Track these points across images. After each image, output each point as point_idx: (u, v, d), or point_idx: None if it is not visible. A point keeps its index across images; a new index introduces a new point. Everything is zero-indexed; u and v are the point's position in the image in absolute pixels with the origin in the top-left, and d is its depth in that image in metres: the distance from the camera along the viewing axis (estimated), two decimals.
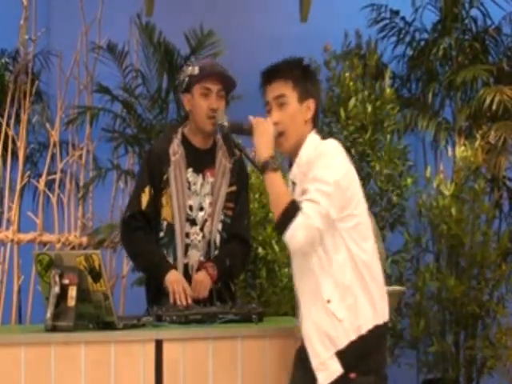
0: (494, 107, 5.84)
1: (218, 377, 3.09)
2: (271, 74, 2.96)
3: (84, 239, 5.91)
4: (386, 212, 5.65)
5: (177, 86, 5.66)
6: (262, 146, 2.88)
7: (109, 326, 3.09)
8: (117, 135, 5.90)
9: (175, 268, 3.54)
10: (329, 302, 2.79)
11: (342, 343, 2.78)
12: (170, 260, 3.57)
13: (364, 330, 2.79)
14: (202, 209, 3.62)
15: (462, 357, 5.76)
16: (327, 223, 2.76)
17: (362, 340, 2.78)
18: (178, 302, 3.43)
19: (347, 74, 5.72)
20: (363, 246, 2.85)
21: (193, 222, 3.60)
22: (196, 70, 3.59)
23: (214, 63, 4.03)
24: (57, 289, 3.03)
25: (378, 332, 2.82)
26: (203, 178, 3.62)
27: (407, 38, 6.42)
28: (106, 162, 5.96)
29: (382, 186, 5.59)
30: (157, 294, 3.56)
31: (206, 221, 3.61)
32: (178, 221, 3.57)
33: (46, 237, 5.88)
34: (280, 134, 2.91)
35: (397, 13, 6.46)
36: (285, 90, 2.93)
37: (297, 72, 2.95)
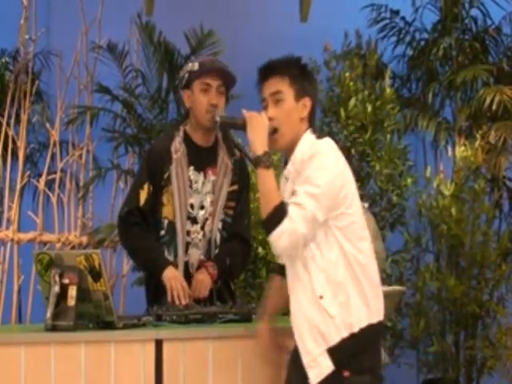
0: (494, 107, 5.84)
1: (218, 376, 3.09)
2: (268, 70, 2.96)
3: (84, 239, 5.91)
4: (386, 212, 5.65)
5: (177, 85, 5.66)
6: (256, 140, 2.87)
7: (109, 325, 3.09)
8: (117, 135, 5.91)
9: (173, 264, 3.54)
10: (321, 297, 2.78)
11: (334, 340, 2.77)
12: (171, 258, 3.57)
13: (356, 328, 2.78)
14: (202, 207, 3.61)
15: (462, 357, 5.77)
16: (313, 227, 2.76)
17: (354, 338, 2.77)
18: (176, 299, 3.42)
19: (347, 74, 5.73)
20: (359, 245, 2.84)
21: (194, 221, 3.60)
22: (196, 66, 3.59)
23: (214, 59, 4.04)
24: (57, 288, 3.03)
25: (371, 331, 2.82)
26: (204, 177, 3.61)
27: (407, 38, 6.42)
28: (106, 161, 5.97)
29: (382, 186, 5.60)
30: (156, 293, 3.56)
31: (206, 219, 3.61)
32: (179, 219, 3.56)
33: (46, 236, 5.88)
34: (275, 131, 2.90)
35: (397, 13, 6.46)
36: (281, 86, 2.92)
37: (294, 70, 2.95)
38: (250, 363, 3.11)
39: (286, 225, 2.74)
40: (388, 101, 5.71)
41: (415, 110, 6.10)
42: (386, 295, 3.02)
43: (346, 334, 2.78)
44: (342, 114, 5.62)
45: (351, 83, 5.68)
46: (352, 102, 5.63)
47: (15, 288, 5.82)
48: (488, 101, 5.85)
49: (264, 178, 2.84)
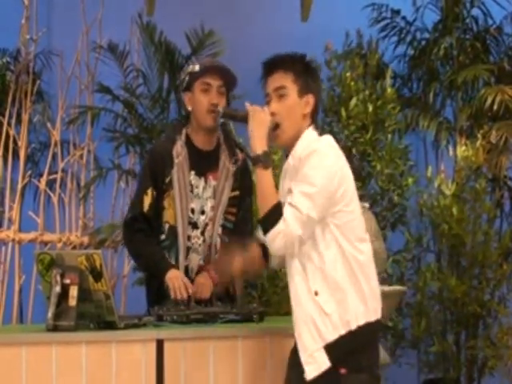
0: (495, 107, 5.84)
1: (218, 376, 3.09)
2: (273, 65, 2.96)
3: (85, 239, 5.91)
4: (387, 212, 5.65)
5: (178, 86, 5.67)
6: (257, 138, 2.86)
7: (110, 325, 3.09)
8: (118, 135, 5.91)
9: (175, 267, 3.54)
10: (316, 294, 2.79)
11: (331, 337, 2.77)
12: (171, 262, 3.57)
13: (354, 326, 2.78)
14: (203, 212, 3.60)
15: (463, 357, 5.77)
16: (310, 226, 2.77)
17: (351, 335, 2.78)
18: (179, 296, 3.42)
19: (348, 74, 5.73)
20: (357, 244, 2.84)
21: (194, 226, 3.59)
22: (196, 68, 3.58)
23: (214, 60, 4.03)
24: (58, 288, 3.03)
25: (369, 328, 2.82)
26: (205, 182, 3.60)
27: (408, 38, 6.42)
28: (107, 161, 5.97)
29: (383, 186, 5.60)
30: (157, 294, 3.56)
31: (207, 224, 3.60)
32: (180, 223, 3.55)
33: (47, 236, 5.88)
34: (276, 126, 2.90)
35: (398, 12, 6.46)
36: (285, 81, 2.92)
37: (298, 66, 2.95)
38: (250, 363, 3.11)
39: (281, 227, 2.75)
40: (389, 100, 5.71)
41: (416, 110, 6.10)
42: (387, 295, 3.03)
43: (343, 331, 2.78)
44: (343, 113, 5.62)
45: (352, 83, 5.68)
46: (353, 101, 5.63)
47: (16, 288, 5.82)
48: (489, 100, 5.86)
49: (262, 177, 2.85)
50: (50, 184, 6.08)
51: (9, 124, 5.99)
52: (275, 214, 2.77)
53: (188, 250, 3.58)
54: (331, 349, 2.77)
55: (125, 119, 5.97)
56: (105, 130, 5.95)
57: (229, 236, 3.63)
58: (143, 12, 5.97)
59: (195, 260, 3.59)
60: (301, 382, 2.82)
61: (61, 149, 6.10)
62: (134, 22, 5.96)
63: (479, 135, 5.80)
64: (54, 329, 3.01)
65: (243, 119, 2.93)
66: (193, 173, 3.59)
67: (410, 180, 5.61)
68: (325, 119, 5.80)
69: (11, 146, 5.98)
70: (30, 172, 6.07)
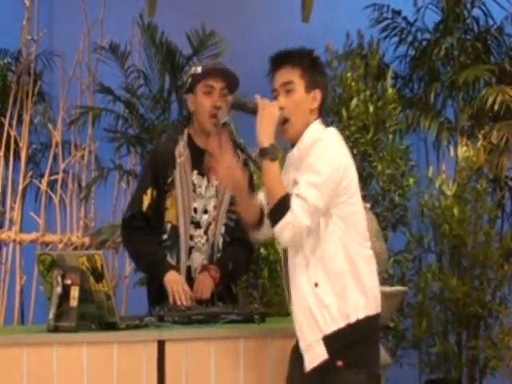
0: (496, 107, 5.84)
1: (220, 377, 3.09)
2: (280, 60, 2.96)
3: (86, 239, 5.91)
4: (388, 212, 5.65)
5: (179, 87, 5.67)
6: (264, 131, 2.86)
7: (111, 326, 3.09)
8: (119, 135, 5.91)
9: (175, 268, 3.54)
10: (316, 285, 2.79)
11: (330, 329, 2.78)
12: (173, 262, 3.56)
13: (353, 319, 2.78)
14: (206, 211, 3.60)
15: (465, 357, 5.77)
16: (317, 215, 2.78)
17: (350, 328, 2.78)
18: (178, 302, 3.42)
19: (349, 74, 5.72)
20: (359, 238, 2.85)
21: (197, 225, 3.59)
22: (199, 70, 3.59)
23: (217, 62, 4.03)
24: (59, 289, 3.03)
25: (369, 322, 2.81)
26: (208, 181, 3.61)
27: (409, 38, 6.42)
28: (108, 162, 5.97)
29: (384, 186, 5.59)
30: (159, 295, 3.55)
31: (210, 224, 3.60)
32: (182, 223, 3.56)
33: (49, 237, 5.88)
34: (285, 121, 2.91)
35: (399, 13, 6.46)
36: (293, 76, 2.93)
37: (306, 61, 2.96)
38: (252, 364, 3.11)
39: (289, 219, 2.75)
40: (390, 101, 5.70)
41: (417, 110, 6.10)
42: (389, 295, 3.03)
43: (342, 324, 2.78)
44: (344, 114, 5.62)
45: (353, 83, 5.67)
46: (354, 102, 5.62)
47: (17, 289, 5.83)
48: (490, 101, 5.85)
49: (269, 169, 2.84)
50: (51, 185, 6.08)
51: (10, 125, 5.99)
52: (283, 205, 2.77)
53: (191, 249, 3.58)
54: (329, 341, 2.78)
55: (126, 120, 5.97)
56: (106, 131, 5.95)
57: (230, 233, 3.63)
58: (144, 13, 5.97)
59: (198, 259, 3.59)
60: (301, 377, 2.84)
61: (62, 149, 6.10)
62: (135, 23, 5.96)
63: (480, 135, 5.80)
64: (55, 329, 3.02)
65: (253, 111, 2.93)
66: (195, 172, 3.60)
67: (411, 180, 5.61)
68: (326, 119, 5.80)
69: (12, 146, 5.98)
70: (31, 173, 6.08)
